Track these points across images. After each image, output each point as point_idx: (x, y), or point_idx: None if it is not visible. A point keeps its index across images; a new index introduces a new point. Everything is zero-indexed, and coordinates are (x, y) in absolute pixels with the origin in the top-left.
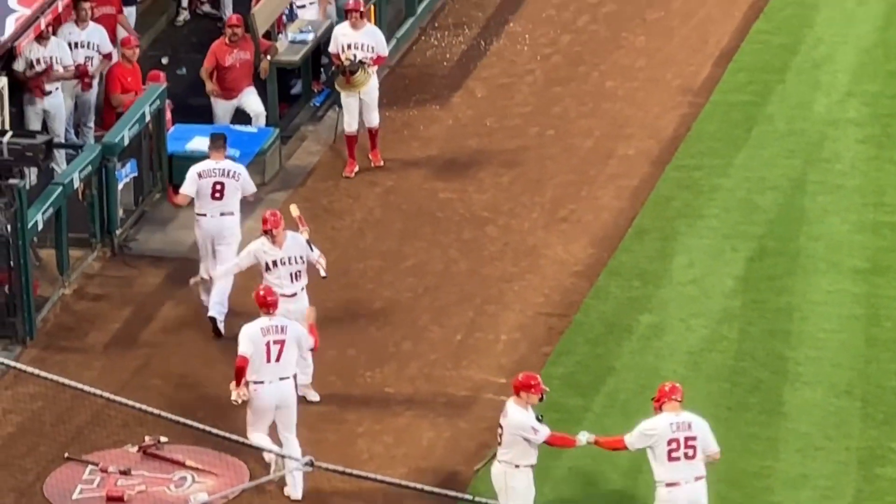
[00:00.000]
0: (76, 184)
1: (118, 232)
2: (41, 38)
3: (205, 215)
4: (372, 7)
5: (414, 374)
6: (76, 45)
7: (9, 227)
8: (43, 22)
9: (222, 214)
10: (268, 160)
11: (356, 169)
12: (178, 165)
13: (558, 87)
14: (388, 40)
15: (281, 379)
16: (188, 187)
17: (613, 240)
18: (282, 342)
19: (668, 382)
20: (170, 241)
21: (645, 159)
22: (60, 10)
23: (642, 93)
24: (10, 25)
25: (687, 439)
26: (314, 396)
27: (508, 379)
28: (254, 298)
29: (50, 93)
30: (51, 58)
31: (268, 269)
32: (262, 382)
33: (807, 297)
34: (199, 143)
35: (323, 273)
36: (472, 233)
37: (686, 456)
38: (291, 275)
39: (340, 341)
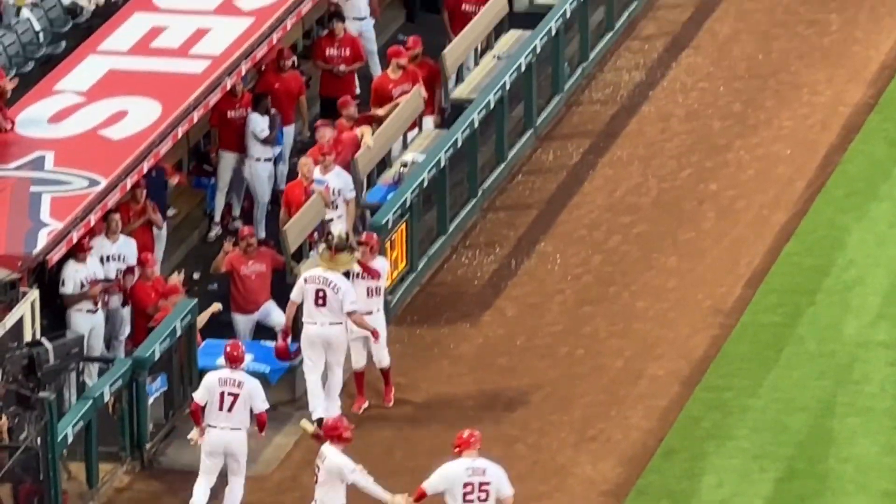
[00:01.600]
0: (106, 397)
1: (148, 446)
2: (81, 256)
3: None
4: (403, 225)
5: None
6: (107, 258)
7: (39, 439)
8: (76, 236)
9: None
10: (298, 376)
11: (365, 405)
12: None
13: (589, 307)
14: (419, 258)
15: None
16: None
17: (642, 460)
18: (235, 395)
19: (468, 430)
20: (200, 456)
21: (675, 380)
22: (93, 223)
23: (673, 313)
24: (43, 239)
25: (481, 484)
26: None
27: None
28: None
29: (94, 311)
30: (94, 275)
31: None
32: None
33: None
34: None
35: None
36: (501, 450)
37: (479, 499)
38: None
39: None
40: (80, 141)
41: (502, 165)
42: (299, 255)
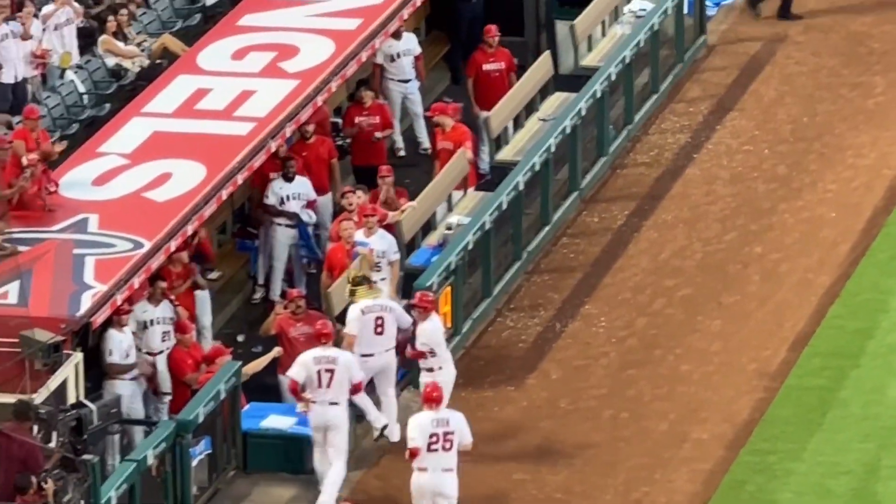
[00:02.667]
0: (150, 460)
1: None
2: (121, 321)
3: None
4: (448, 288)
5: None
6: (150, 322)
7: (82, 502)
8: (119, 298)
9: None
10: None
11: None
12: (253, 443)
13: (633, 370)
14: (464, 321)
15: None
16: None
17: None
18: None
19: (430, 383)
20: None
21: (719, 443)
22: (136, 285)
23: (717, 376)
24: (86, 302)
25: (445, 434)
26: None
27: None
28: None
29: (136, 378)
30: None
31: None
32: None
33: None
34: (274, 420)
35: None
36: None
37: (444, 448)
38: None
39: None
40: (124, 203)
41: (547, 228)
42: (343, 318)
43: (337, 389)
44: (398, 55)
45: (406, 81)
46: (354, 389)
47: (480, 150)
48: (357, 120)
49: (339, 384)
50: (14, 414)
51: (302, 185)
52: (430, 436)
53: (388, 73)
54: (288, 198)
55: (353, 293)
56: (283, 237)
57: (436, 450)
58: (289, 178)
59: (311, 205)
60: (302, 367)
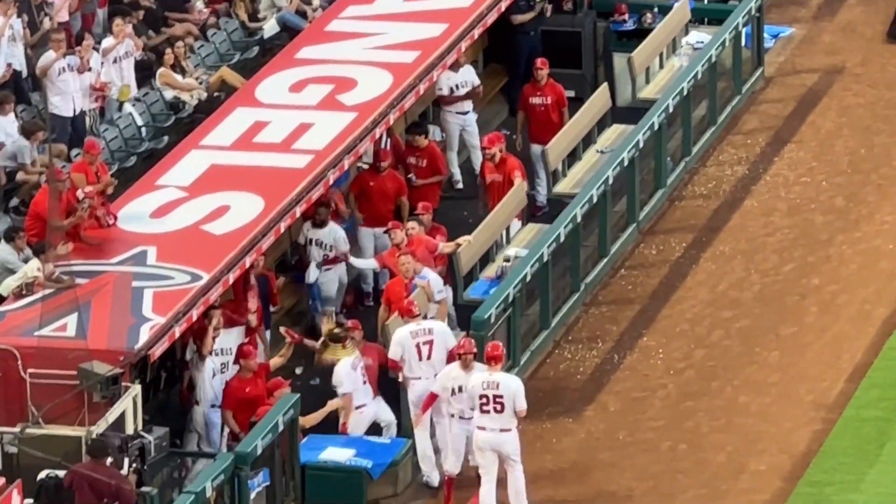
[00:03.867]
0: (208, 492)
1: None
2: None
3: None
4: (506, 320)
5: None
6: (211, 352)
7: None
8: (178, 331)
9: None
10: (400, 471)
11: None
12: (312, 475)
13: (691, 402)
14: (522, 353)
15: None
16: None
17: None
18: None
19: (492, 344)
20: None
21: (777, 475)
22: (195, 318)
23: (775, 408)
24: (145, 334)
25: (495, 397)
26: None
27: None
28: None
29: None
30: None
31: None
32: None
33: None
34: (333, 453)
35: None
36: None
37: (495, 410)
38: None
39: None
40: (182, 236)
41: (605, 260)
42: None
43: (437, 361)
44: (457, 87)
45: (464, 114)
46: (449, 356)
47: (536, 183)
48: (409, 160)
49: (437, 354)
50: (91, 452)
51: (331, 234)
52: (480, 397)
53: (446, 105)
54: (311, 242)
55: (324, 349)
56: (324, 278)
57: (487, 411)
58: (317, 224)
59: (335, 259)
60: (398, 345)
